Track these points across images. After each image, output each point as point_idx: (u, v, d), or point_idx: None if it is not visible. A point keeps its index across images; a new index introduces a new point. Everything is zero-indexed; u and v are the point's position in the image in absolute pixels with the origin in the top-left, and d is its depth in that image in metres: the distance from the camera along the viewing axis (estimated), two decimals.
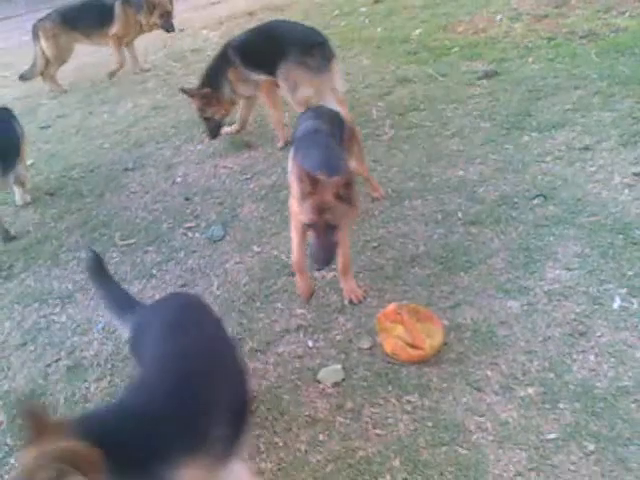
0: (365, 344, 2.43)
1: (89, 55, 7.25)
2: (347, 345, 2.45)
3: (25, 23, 10.02)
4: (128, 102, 5.66)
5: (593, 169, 3.21)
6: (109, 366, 2.57)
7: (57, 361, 2.66)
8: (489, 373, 2.21)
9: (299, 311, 2.67)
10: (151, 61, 6.84)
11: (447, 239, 2.94)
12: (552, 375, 2.16)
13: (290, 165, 2.68)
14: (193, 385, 1.54)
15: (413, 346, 2.27)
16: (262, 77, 3.99)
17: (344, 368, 2.34)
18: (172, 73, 6.28)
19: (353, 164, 2.93)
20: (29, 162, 4.47)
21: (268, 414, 2.21)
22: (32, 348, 2.78)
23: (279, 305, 2.74)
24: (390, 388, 2.22)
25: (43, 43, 5.94)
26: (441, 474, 1.90)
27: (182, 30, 7.49)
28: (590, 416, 1.99)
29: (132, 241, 3.37)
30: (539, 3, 5.53)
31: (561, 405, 2.05)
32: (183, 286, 2.98)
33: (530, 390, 2.12)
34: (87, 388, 2.48)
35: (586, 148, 3.39)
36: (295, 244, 2.60)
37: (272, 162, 3.98)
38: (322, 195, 2.22)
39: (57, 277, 3.25)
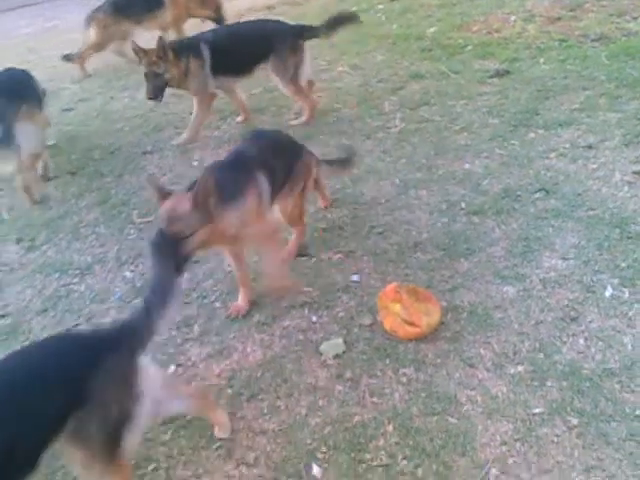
0: (366, 321, 2.56)
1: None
2: (349, 321, 2.58)
3: (46, 11, 10.27)
4: None
5: (595, 166, 3.30)
6: None
7: (76, 326, 2.81)
8: (482, 351, 2.33)
9: (305, 289, 2.80)
10: None
11: (450, 227, 3.05)
12: (542, 355, 2.27)
13: None
14: None
15: (411, 323, 2.39)
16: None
17: (345, 342, 2.46)
18: None
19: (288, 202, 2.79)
20: (51, 142, 4.65)
21: (272, 381, 2.35)
22: (52, 314, 2.93)
23: None
24: (388, 362, 2.35)
25: (92, 31, 6.11)
26: (431, 440, 2.03)
27: (202, 22, 7.61)
28: (576, 394, 2.09)
29: (149, 219, 3.52)
30: (553, 6, 5.59)
31: (549, 383, 2.16)
32: (196, 262, 3.12)
33: (520, 368, 2.24)
34: None
35: (590, 146, 3.48)
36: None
37: None
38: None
39: (77, 250, 3.42)
